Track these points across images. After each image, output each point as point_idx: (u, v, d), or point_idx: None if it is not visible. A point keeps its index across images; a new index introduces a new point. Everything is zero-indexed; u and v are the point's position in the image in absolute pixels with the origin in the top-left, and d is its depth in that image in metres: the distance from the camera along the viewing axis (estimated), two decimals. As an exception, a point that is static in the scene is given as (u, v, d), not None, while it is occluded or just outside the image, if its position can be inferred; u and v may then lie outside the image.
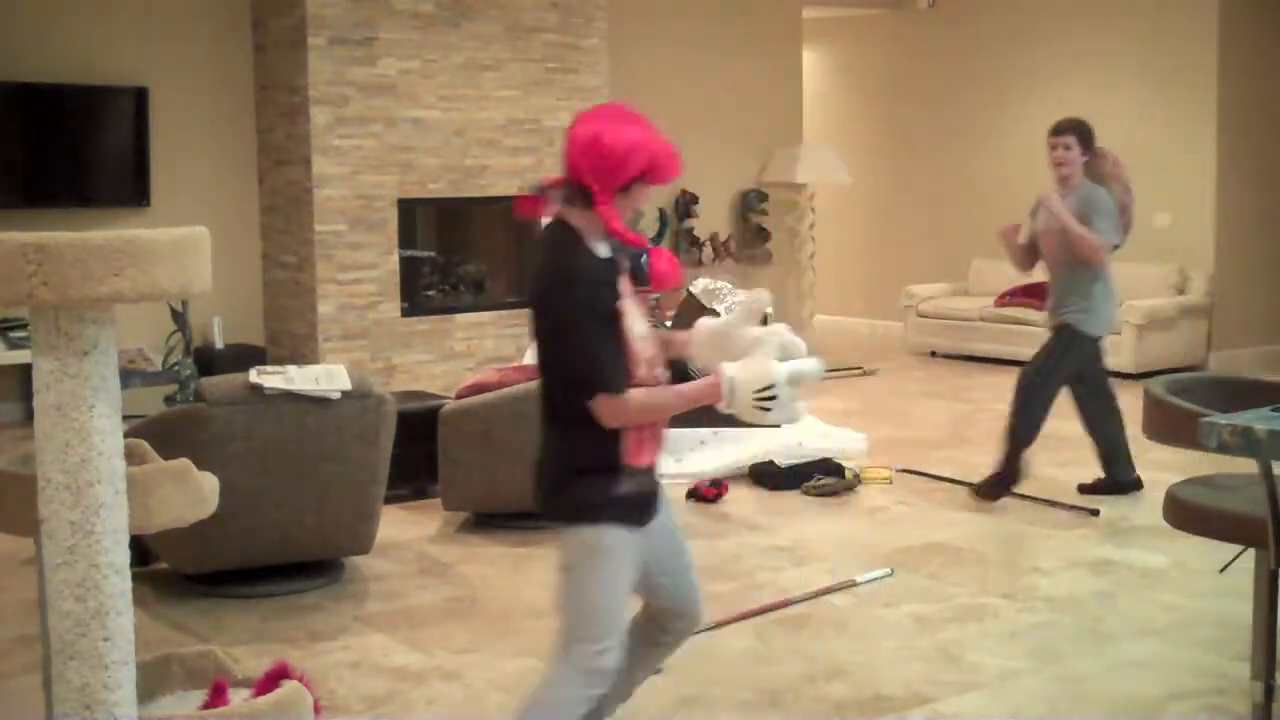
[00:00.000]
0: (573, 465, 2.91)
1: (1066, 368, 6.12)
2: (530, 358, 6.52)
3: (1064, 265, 6.09)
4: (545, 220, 2.99)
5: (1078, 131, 6.04)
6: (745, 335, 2.91)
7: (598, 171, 2.80)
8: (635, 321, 2.93)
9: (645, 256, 2.88)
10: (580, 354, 2.81)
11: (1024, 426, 6.12)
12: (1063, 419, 8.23)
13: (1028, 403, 6.12)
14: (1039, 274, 10.36)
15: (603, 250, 2.92)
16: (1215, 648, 4.29)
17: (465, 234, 9.63)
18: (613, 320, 2.85)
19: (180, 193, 8.56)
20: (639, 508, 2.95)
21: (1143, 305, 9.56)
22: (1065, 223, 5.94)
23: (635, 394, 2.83)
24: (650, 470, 2.98)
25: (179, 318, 7.82)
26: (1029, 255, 6.33)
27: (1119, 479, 6.30)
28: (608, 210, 2.83)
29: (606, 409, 2.81)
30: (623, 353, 2.85)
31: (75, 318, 2.49)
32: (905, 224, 12.09)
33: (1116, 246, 6.10)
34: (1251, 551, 3.25)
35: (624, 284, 2.95)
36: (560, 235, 2.90)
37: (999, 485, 6.14)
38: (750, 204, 10.95)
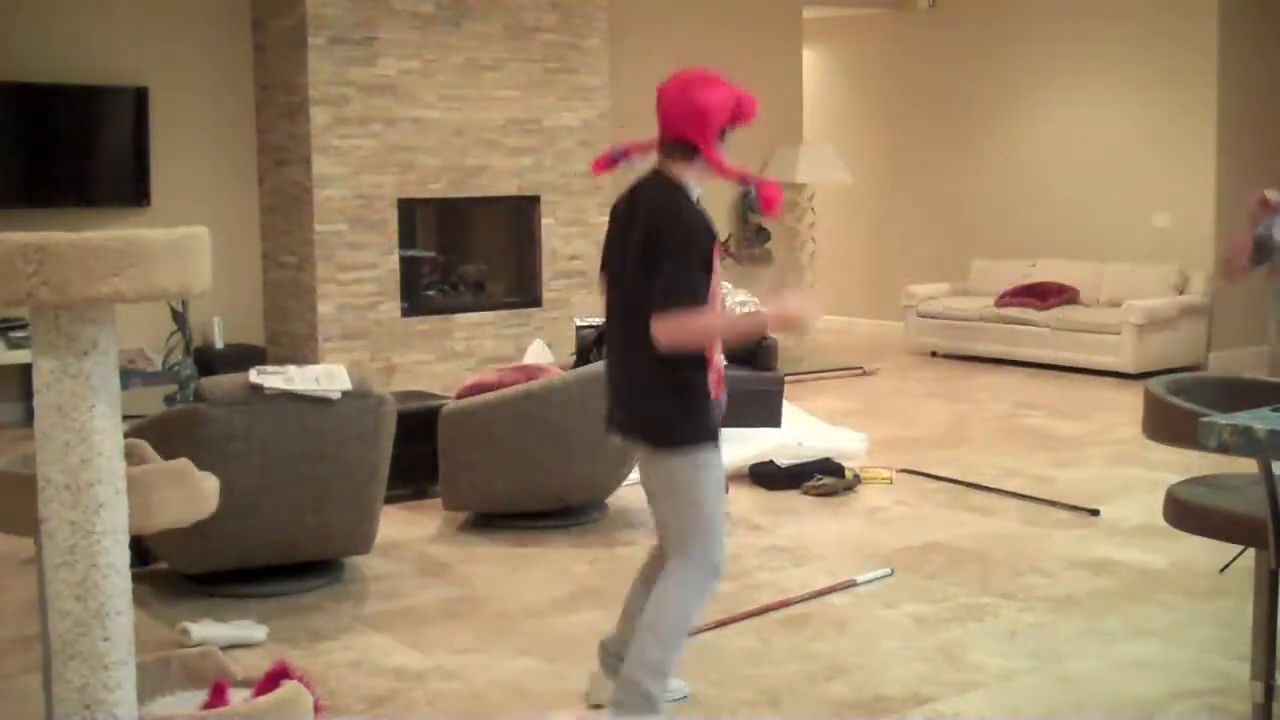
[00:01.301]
0: (672, 394, 3.36)
1: None
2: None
3: None
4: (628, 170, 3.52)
5: None
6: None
7: (696, 124, 3.30)
8: (717, 275, 3.35)
9: (753, 186, 3.50)
10: (676, 272, 3.23)
11: None
12: (1062, 419, 8.26)
13: None
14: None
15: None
16: (1215, 648, 4.28)
17: (465, 234, 9.63)
18: (708, 259, 3.29)
19: (180, 193, 8.56)
20: (718, 430, 3.48)
21: (1143, 305, 9.57)
22: None
23: (693, 312, 3.24)
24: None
25: (179, 318, 7.81)
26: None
27: None
28: (713, 155, 3.35)
29: (668, 321, 3.21)
30: (707, 288, 3.27)
31: (75, 318, 2.49)
32: (905, 224, 12.09)
33: None
34: (1251, 551, 3.25)
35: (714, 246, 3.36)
36: (668, 184, 3.39)
37: None
38: (750, 204, 10.95)
